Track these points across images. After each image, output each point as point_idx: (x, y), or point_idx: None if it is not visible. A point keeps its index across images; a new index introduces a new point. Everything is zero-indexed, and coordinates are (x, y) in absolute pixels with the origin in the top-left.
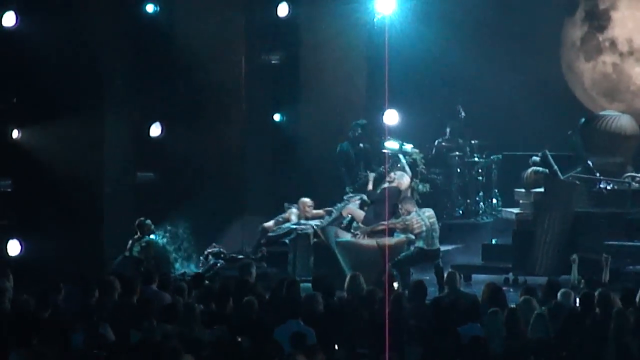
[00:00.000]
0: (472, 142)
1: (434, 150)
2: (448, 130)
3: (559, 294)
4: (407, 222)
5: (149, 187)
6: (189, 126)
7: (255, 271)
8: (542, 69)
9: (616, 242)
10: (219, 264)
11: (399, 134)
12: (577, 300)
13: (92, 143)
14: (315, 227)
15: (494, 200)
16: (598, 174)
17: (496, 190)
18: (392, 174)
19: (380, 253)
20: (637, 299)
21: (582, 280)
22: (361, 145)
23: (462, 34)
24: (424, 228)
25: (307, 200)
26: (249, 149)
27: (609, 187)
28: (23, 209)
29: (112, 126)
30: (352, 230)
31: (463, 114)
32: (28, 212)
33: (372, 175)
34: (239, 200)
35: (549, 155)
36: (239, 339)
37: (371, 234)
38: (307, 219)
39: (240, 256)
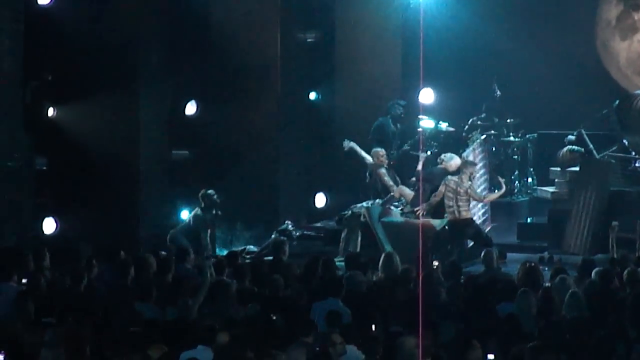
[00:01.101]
0: (508, 121)
1: (467, 128)
2: (484, 108)
3: (593, 273)
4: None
5: (184, 165)
6: (224, 105)
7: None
8: (577, 47)
9: None
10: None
11: (434, 112)
12: (613, 278)
13: (128, 121)
14: (365, 206)
15: (530, 179)
16: (633, 153)
17: (531, 169)
18: (442, 156)
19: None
20: None
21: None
22: (398, 125)
23: (497, 12)
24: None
25: (379, 150)
26: (284, 127)
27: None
28: (59, 187)
29: (147, 104)
30: (402, 210)
31: (498, 92)
32: (64, 191)
33: (423, 156)
34: (273, 179)
35: (585, 134)
36: (273, 317)
37: (423, 214)
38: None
39: (309, 232)
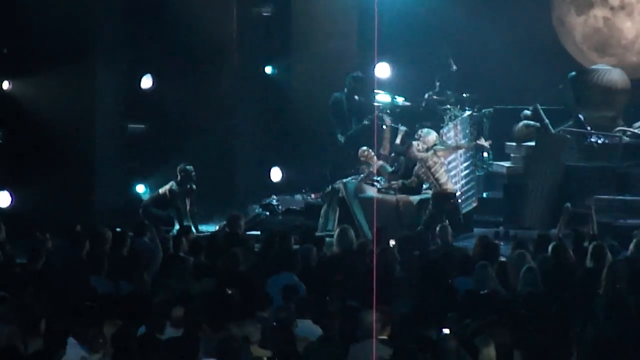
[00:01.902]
0: (463, 95)
1: (424, 103)
2: (438, 83)
3: (549, 247)
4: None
5: (140, 139)
6: (180, 78)
7: None
8: (534, 22)
9: (606, 196)
10: (262, 216)
11: (390, 86)
12: (569, 252)
13: (83, 94)
14: (342, 182)
15: (485, 154)
16: (589, 128)
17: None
18: (419, 132)
19: (397, 210)
20: (628, 252)
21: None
22: (356, 97)
23: None
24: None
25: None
26: (240, 101)
27: (599, 141)
28: (14, 161)
29: (103, 78)
30: (377, 186)
31: (454, 67)
32: (19, 164)
33: (402, 130)
34: (229, 153)
35: (540, 109)
36: (229, 291)
37: (396, 189)
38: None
39: (294, 207)
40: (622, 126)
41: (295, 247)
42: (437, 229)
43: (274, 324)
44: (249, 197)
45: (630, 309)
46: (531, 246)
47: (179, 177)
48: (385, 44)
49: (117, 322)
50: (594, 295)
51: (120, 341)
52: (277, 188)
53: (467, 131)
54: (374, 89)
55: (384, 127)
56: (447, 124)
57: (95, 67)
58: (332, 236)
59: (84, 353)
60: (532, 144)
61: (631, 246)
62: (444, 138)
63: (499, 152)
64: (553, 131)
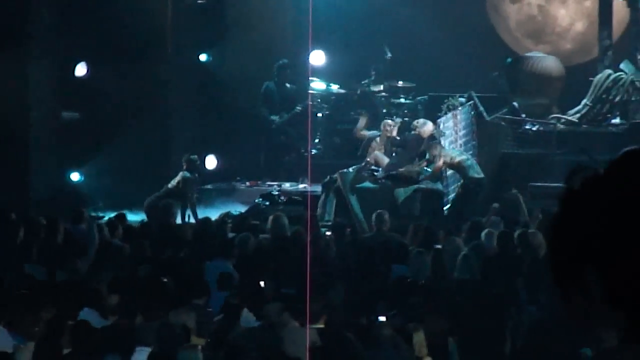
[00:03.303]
0: (398, 83)
1: (359, 91)
2: (372, 70)
3: (482, 234)
4: (437, 164)
5: (74, 127)
6: (115, 66)
7: None
8: (468, 9)
9: (541, 184)
10: (262, 206)
11: (326, 74)
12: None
13: (17, 82)
14: (340, 172)
15: None
16: (523, 116)
17: None
18: (414, 122)
19: (393, 200)
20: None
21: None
22: (287, 85)
23: None
24: (465, 157)
25: (388, 121)
26: (175, 89)
27: (534, 129)
28: None
29: (37, 65)
30: (375, 175)
31: (389, 54)
32: None
33: (398, 121)
34: (164, 140)
35: (475, 97)
36: (164, 279)
37: (392, 179)
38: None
39: (296, 197)
40: (557, 113)
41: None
42: (374, 216)
43: (220, 312)
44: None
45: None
46: (464, 233)
47: (185, 166)
48: (320, 32)
49: (52, 309)
50: (528, 280)
51: (55, 329)
52: (212, 176)
53: (469, 121)
54: (307, 77)
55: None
56: (446, 114)
57: (29, 54)
58: (328, 226)
59: (15, 342)
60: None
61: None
62: (442, 127)
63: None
64: (488, 118)
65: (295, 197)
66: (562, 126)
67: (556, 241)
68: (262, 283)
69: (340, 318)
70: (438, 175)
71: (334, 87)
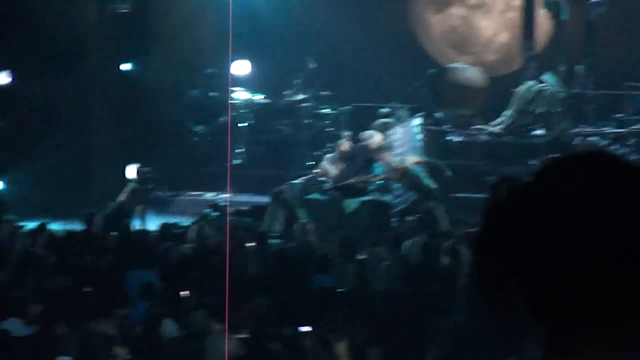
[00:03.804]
0: (322, 93)
1: (282, 101)
2: (296, 81)
3: (404, 245)
4: (391, 172)
5: None
6: (38, 74)
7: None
8: (392, 20)
9: (463, 194)
10: (211, 216)
11: (249, 84)
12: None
13: None
14: (289, 183)
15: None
16: (446, 126)
17: None
18: (362, 134)
19: (341, 211)
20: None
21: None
22: (212, 94)
23: None
24: (418, 167)
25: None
26: (98, 98)
27: (457, 139)
28: None
29: None
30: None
31: (313, 64)
32: None
33: (348, 135)
34: (85, 149)
35: (398, 107)
36: (86, 289)
37: (340, 190)
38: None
39: (244, 208)
40: (480, 124)
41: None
42: (297, 226)
43: (142, 321)
44: (105, 194)
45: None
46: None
47: (137, 179)
48: (243, 42)
49: None
50: (451, 292)
51: None
52: None
53: (419, 137)
54: (232, 86)
55: None
56: (394, 125)
57: None
58: (277, 237)
59: None
60: None
61: None
62: (390, 139)
63: None
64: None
65: (243, 209)
66: (485, 137)
67: (482, 253)
68: (185, 293)
69: (263, 328)
70: (386, 186)
71: (258, 97)
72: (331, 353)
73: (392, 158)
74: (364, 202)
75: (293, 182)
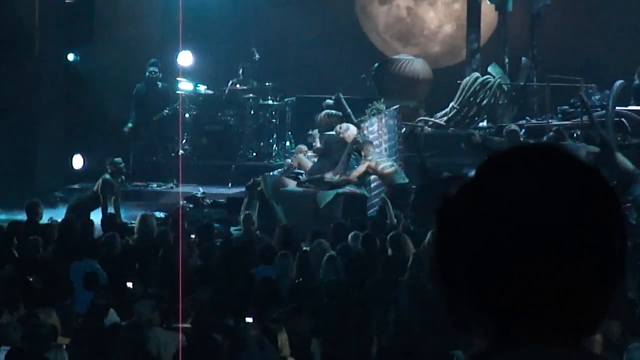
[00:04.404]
0: (266, 84)
1: (227, 92)
2: (240, 71)
3: (349, 237)
4: (371, 165)
5: None
6: None
7: None
8: (337, 11)
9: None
10: (187, 209)
11: (193, 75)
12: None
13: None
14: (263, 175)
15: (288, 143)
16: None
17: (290, 133)
18: (338, 127)
19: (315, 204)
20: (426, 241)
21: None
22: (159, 84)
23: None
24: (390, 162)
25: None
26: (42, 88)
27: (402, 131)
28: None
29: None
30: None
31: (257, 56)
32: None
33: (316, 133)
34: (30, 140)
35: (343, 99)
36: (30, 279)
37: (315, 183)
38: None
39: (221, 200)
40: (424, 116)
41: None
42: (241, 217)
43: (87, 311)
44: (50, 185)
45: (430, 297)
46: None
47: (109, 170)
48: (188, 32)
49: None
50: (395, 283)
51: None
52: (78, 175)
53: (394, 126)
54: (176, 77)
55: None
56: (370, 118)
57: None
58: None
59: None
60: (334, 132)
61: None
62: (366, 132)
63: (302, 141)
64: (355, 120)
65: (220, 200)
66: (429, 129)
67: (438, 251)
68: (129, 283)
69: (206, 318)
70: (362, 179)
71: (202, 88)
72: (274, 344)
73: (374, 149)
74: (338, 195)
75: (268, 174)
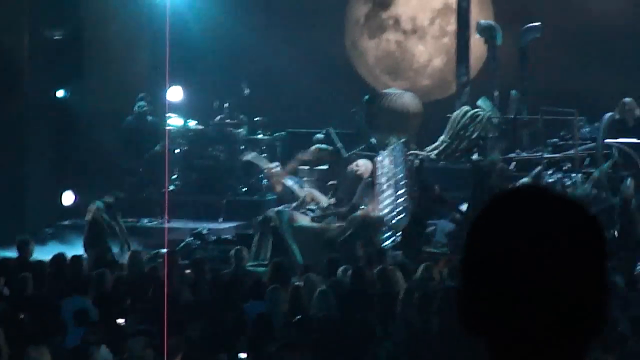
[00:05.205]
0: (256, 119)
1: (216, 127)
2: (226, 106)
3: (339, 271)
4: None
5: None
6: None
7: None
8: (327, 46)
9: None
10: (193, 245)
11: (183, 110)
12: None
13: None
14: (274, 210)
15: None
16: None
17: None
18: (357, 162)
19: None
20: (418, 275)
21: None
22: (149, 118)
23: (247, 10)
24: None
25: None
26: (31, 125)
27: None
28: None
29: None
30: (311, 214)
31: (247, 90)
32: None
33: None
34: (19, 177)
35: (333, 133)
36: (21, 316)
37: (330, 217)
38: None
39: (226, 236)
40: (414, 150)
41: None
42: (232, 252)
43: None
44: (40, 221)
45: (422, 331)
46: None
47: (107, 203)
48: (178, 67)
49: None
50: (387, 317)
51: None
52: (69, 212)
53: (401, 159)
54: (165, 112)
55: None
56: (383, 152)
57: None
58: (265, 266)
59: None
60: (325, 167)
61: (418, 272)
62: (379, 166)
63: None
64: (346, 155)
65: (225, 237)
66: (418, 162)
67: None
68: (121, 320)
69: (197, 355)
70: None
71: (192, 123)
72: None
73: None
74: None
75: (281, 209)
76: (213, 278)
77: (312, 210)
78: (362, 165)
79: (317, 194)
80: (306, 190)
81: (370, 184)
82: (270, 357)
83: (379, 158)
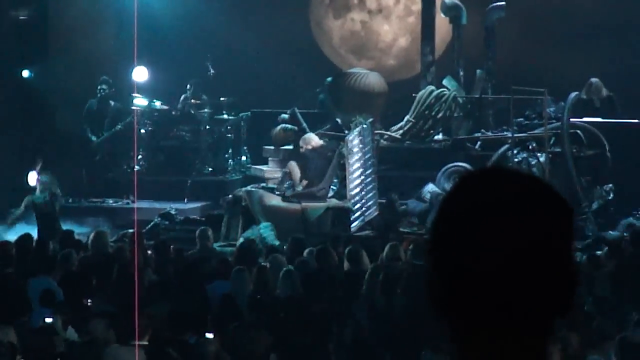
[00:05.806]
0: (221, 99)
1: (181, 107)
2: (189, 86)
3: (305, 252)
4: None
5: None
6: None
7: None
8: (292, 26)
9: None
10: (162, 225)
11: (148, 90)
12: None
13: None
14: (245, 190)
15: (243, 158)
16: (346, 132)
17: (245, 148)
18: (303, 138)
19: (304, 218)
20: (383, 256)
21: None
22: (111, 103)
23: None
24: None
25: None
26: None
27: (376, 144)
28: None
29: None
30: (281, 192)
31: (212, 71)
32: None
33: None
34: None
35: (298, 113)
36: None
37: (301, 197)
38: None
39: (194, 217)
40: (380, 130)
41: None
42: (198, 232)
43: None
44: (6, 202)
45: (387, 311)
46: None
47: (36, 188)
48: (143, 48)
49: None
50: (353, 297)
51: None
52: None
53: (370, 138)
54: (131, 93)
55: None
56: (352, 132)
57: None
58: (234, 246)
59: None
60: (290, 147)
61: (384, 252)
62: (349, 146)
63: (257, 156)
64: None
65: (194, 217)
66: (384, 142)
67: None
68: (87, 300)
69: (163, 334)
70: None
71: (157, 104)
72: (235, 359)
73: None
74: (327, 209)
75: (252, 189)
76: (176, 258)
77: (282, 190)
78: (307, 141)
79: (296, 169)
80: (289, 164)
81: (339, 165)
82: (235, 337)
83: (350, 137)
